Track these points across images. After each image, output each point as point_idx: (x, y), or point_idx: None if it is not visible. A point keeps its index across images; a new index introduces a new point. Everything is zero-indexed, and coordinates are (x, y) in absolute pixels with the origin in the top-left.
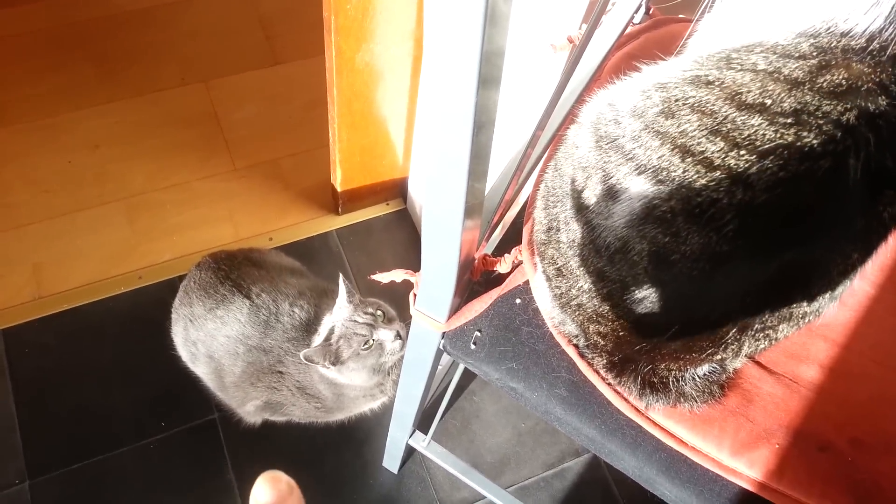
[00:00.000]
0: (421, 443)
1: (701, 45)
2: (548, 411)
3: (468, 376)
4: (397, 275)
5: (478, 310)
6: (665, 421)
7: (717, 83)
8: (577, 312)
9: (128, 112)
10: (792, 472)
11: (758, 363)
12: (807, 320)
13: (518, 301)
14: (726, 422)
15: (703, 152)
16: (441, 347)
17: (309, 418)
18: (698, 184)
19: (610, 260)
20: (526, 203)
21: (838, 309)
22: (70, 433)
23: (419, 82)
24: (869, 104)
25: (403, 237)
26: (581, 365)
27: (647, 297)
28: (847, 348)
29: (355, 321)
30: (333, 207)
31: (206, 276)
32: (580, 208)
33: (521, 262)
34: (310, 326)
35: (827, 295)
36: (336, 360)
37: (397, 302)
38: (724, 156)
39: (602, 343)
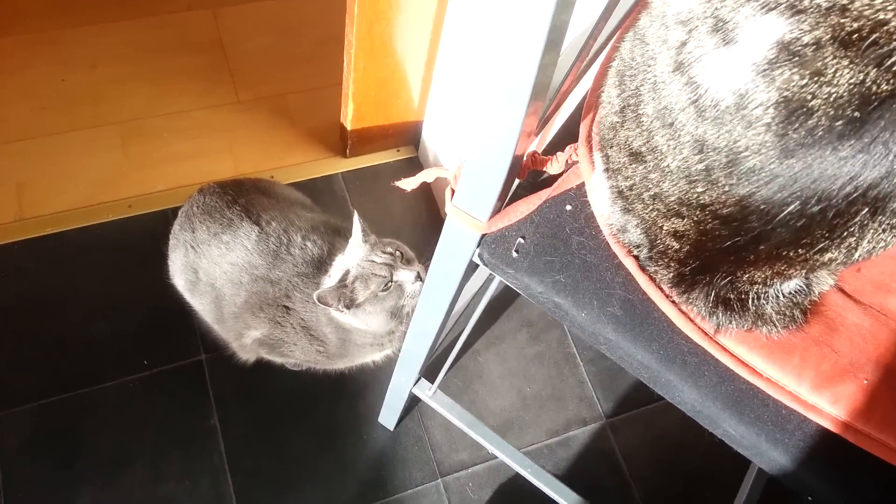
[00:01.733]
0: (427, 391)
1: None
2: (597, 333)
3: (476, 332)
4: (428, 174)
5: (523, 212)
6: (737, 347)
7: None
8: (651, 207)
9: (130, 33)
10: (882, 412)
11: (842, 291)
12: None
13: (569, 207)
14: (808, 351)
15: None
16: (478, 256)
17: (308, 362)
18: (857, 3)
19: (717, 122)
20: (583, 101)
21: None
22: (47, 364)
23: (445, 10)
24: None
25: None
26: (641, 279)
27: (762, 168)
28: None
29: (373, 261)
30: (341, 149)
31: (212, 200)
32: (678, 66)
33: (575, 162)
34: (322, 264)
35: None
36: (351, 304)
37: (411, 234)
38: None
39: (675, 248)
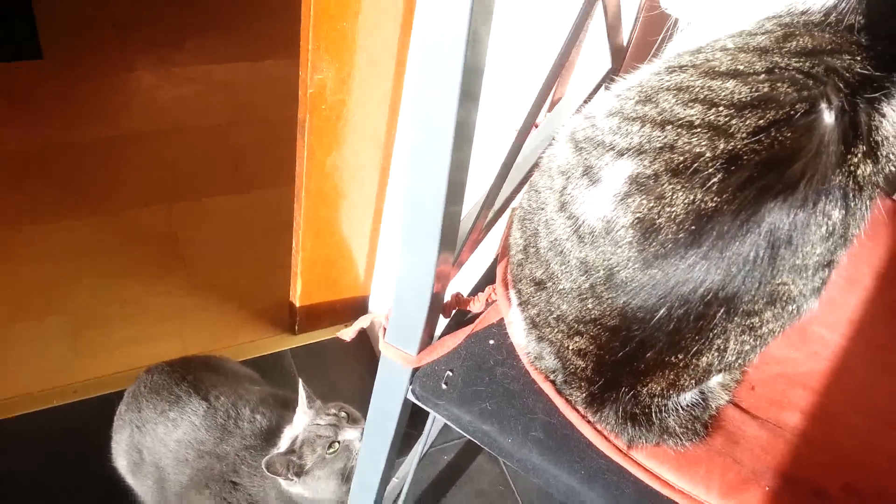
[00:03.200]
0: None
1: (669, 51)
2: (522, 458)
3: (427, 500)
4: (364, 321)
5: (450, 346)
6: (649, 462)
7: (690, 66)
8: (556, 329)
9: (86, 229)
10: None
11: (738, 407)
12: (790, 311)
13: (492, 342)
14: (713, 462)
15: (682, 118)
16: (410, 392)
17: None
18: (680, 142)
19: (593, 245)
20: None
21: (812, 359)
22: None
23: (385, 195)
24: (834, 60)
25: (362, 361)
26: (558, 402)
27: (631, 279)
28: (827, 396)
29: (318, 424)
30: (290, 326)
31: (160, 378)
32: (562, 205)
33: (494, 301)
34: (270, 436)
35: (811, 271)
36: (300, 470)
37: (359, 407)
38: (703, 115)
39: (581, 366)
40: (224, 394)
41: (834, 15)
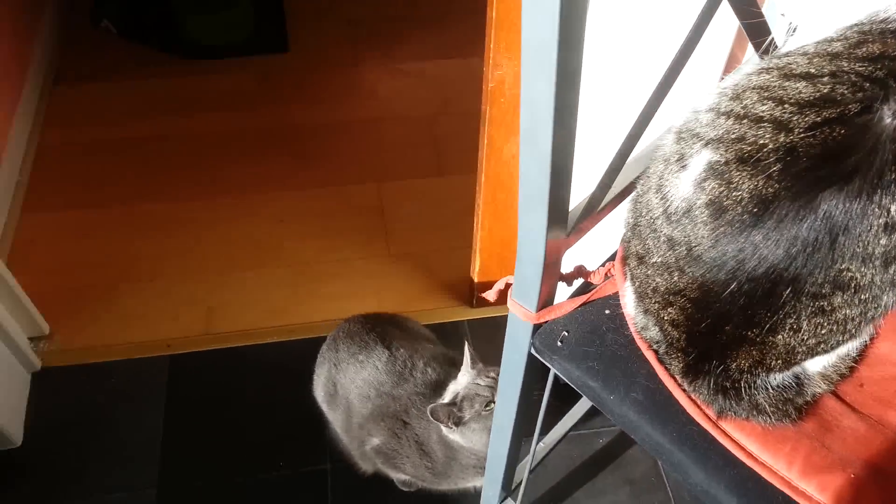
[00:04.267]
0: None
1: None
2: (621, 414)
3: (577, 480)
4: (501, 283)
5: (567, 309)
6: (736, 433)
7: (775, 68)
8: (653, 300)
9: (312, 198)
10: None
11: (841, 399)
12: (865, 300)
13: (607, 312)
14: (800, 442)
15: (755, 113)
16: (531, 346)
17: (416, 478)
18: (749, 134)
19: (678, 223)
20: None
21: None
22: (201, 454)
23: None
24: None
25: None
26: (658, 370)
27: (705, 254)
28: None
29: (478, 384)
30: (469, 300)
31: (355, 327)
32: (659, 188)
33: (612, 275)
34: (438, 388)
35: (879, 262)
36: (458, 421)
37: None
38: (771, 111)
39: (676, 337)
40: (404, 346)
41: None
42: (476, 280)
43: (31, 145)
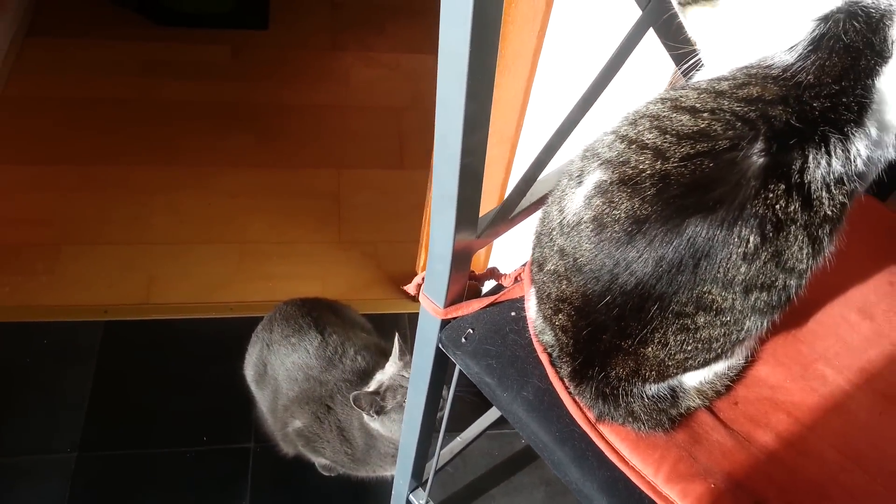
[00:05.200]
0: (420, 500)
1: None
2: (512, 411)
3: (494, 477)
4: (419, 277)
5: (473, 307)
6: (611, 436)
7: (669, 98)
8: (548, 306)
9: (269, 177)
10: None
11: (715, 415)
12: (726, 322)
13: (513, 314)
14: (669, 451)
15: (642, 140)
16: (439, 339)
17: (336, 463)
18: (632, 159)
19: (568, 235)
20: None
21: (807, 392)
22: (126, 422)
23: (507, 188)
24: (769, 108)
25: None
26: (549, 372)
27: (586, 266)
28: (809, 428)
29: (403, 376)
30: (413, 297)
31: (291, 310)
32: (559, 200)
33: (522, 280)
34: (365, 376)
35: (739, 289)
36: (380, 410)
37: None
38: (654, 139)
39: (565, 342)
40: (337, 333)
41: (789, 73)
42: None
43: None
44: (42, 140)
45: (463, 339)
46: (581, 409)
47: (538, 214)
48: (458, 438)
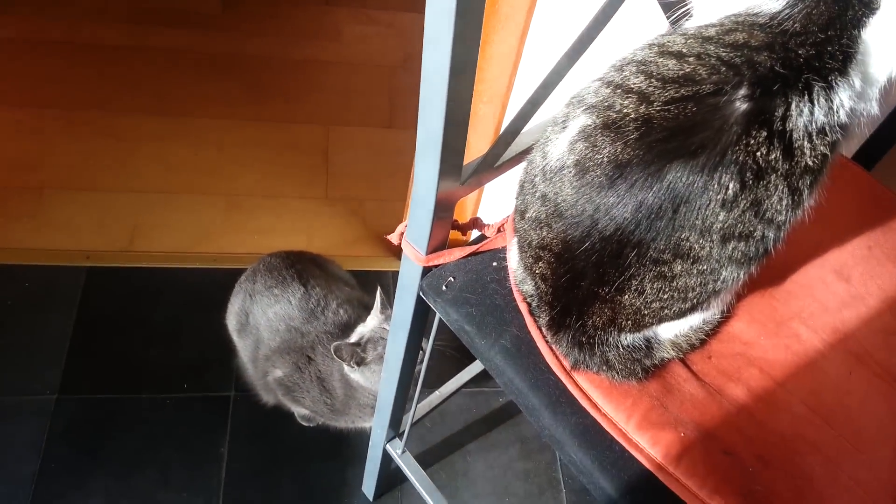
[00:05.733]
0: (397, 450)
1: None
2: (489, 358)
3: (471, 432)
4: (402, 226)
5: (455, 256)
6: (585, 383)
7: (656, 44)
8: (528, 254)
9: (258, 131)
10: (690, 461)
11: (688, 368)
12: (703, 271)
13: (494, 264)
14: (641, 399)
15: (628, 85)
16: (420, 288)
17: (315, 413)
18: (617, 103)
19: (551, 181)
20: None
21: (781, 349)
22: (107, 367)
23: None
24: (753, 54)
25: None
26: (528, 320)
27: (567, 211)
28: (781, 384)
29: (384, 328)
30: (397, 252)
31: (275, 261)
32: (543, 145)
33: (504, 230)
34: (347, 329)
35: (717, 237)
36: (361, 361)
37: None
38: (640, 84)
39: (544, 290)
40: (320, 286)
41: (775, 20)
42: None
43: None
44: (27, 83)
45: (444, 287)
46: (557, 356)
47: (522, 164)
48: (436, 392)
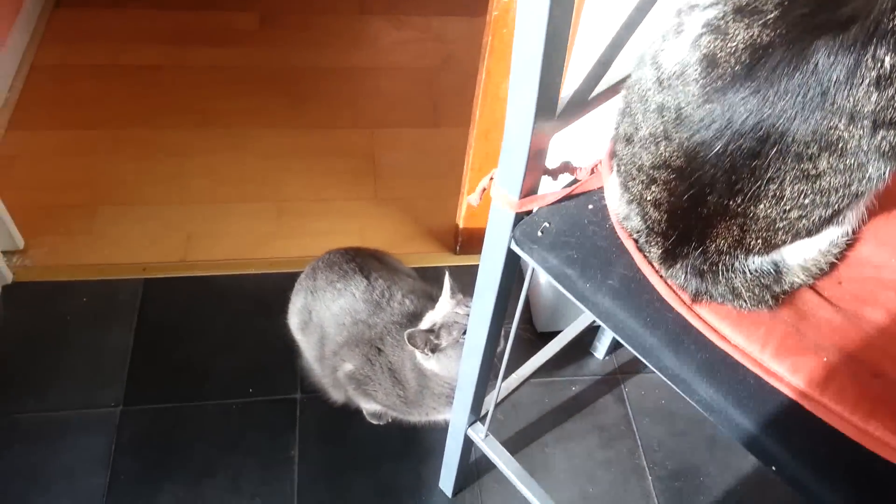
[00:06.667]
0: (479, 434)
1: None
2: (596, 302)
3: (547, 423)
4: (485, 181)
5: (549, 199)
6: (710, 315)
7: None
8: (638, 180)
9: (302, 138)
10: (838, 386)
11: (819, 294)
12: (850, 166)
13: (590, 207)
14: (775, 327)
15: None
16: (512, 239)
17: (387, 406)
18: None
19: (669, 88)
20: None
21: None
22: (170, 377)
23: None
24: None
25: None
26: (637, 256)
27: (694, 114)
28: None
29: (457, 312)
30: (452, 247)
31: (335, 257)
32: (653, 59)
33: (599, 171)
34: (414, 319)
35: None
36: (435, 348)
37: None
38: None
39: (657, 219)
40: (382, 277)
41: None
42: (462, 226)
43: (25, 64)
44: (75, 106)
45: (539, 233)
46: (674, 290)
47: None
48: (513, 375)
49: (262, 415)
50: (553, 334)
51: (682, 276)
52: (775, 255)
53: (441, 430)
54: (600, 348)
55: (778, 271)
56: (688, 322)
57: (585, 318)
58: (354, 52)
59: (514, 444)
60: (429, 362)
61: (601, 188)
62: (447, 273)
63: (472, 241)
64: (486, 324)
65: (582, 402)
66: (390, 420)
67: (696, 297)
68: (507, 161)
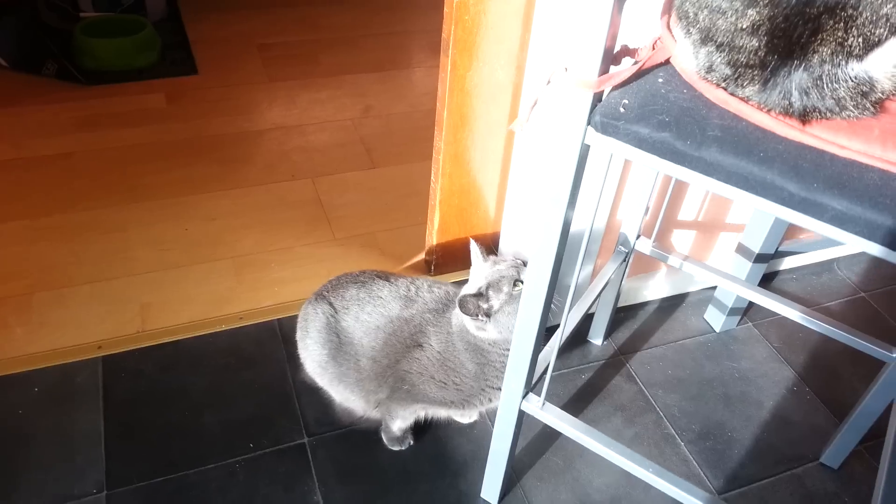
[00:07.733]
0: (536, 404)
1: None
2: (700, 157)
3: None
4: (531, 100)
5: (623, 76)
6: (824, 132)
7: None
8: (728, 15)
9: (243, 197)
10: None
11: None
12: None
13: (661, 79)
14: (885, 127)
15: None
16: (591, 125)
17: (443, 404)
18: None
19: None
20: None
21: None
22: (155, 450)
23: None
24: None
25: None
26: (732, 101)
27: None
28: None
29: (499, 268)
30: (426, 270)
31: (340, 279)
32: None
33: (660, 45)
34: (449, 302)
35: None
36: (489, 311)
37: None
38: None
39: (755, 48)
40: (401, 277)
41: None
42: (434, 242)
43: None
44: None
45: (621, 110)
46: (781, 119)
47: None
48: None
49: (272, 467)
50: (551, 331)
51: (787, 102)
52: (867, 65)
53: (470, 439)
54: (597, 335)
55: (871, 81)
56: (801, 146)
57: (580, 308)
58: (275, 113)
59: (539, 438)
60: (485, 330)
61: (667, 61)
62: (472, 240)
63: (446, 259)
64: (556, 236)
65: (595, 387)
66: (411, 443)
67: (805, 115)
68: (583, 40)
